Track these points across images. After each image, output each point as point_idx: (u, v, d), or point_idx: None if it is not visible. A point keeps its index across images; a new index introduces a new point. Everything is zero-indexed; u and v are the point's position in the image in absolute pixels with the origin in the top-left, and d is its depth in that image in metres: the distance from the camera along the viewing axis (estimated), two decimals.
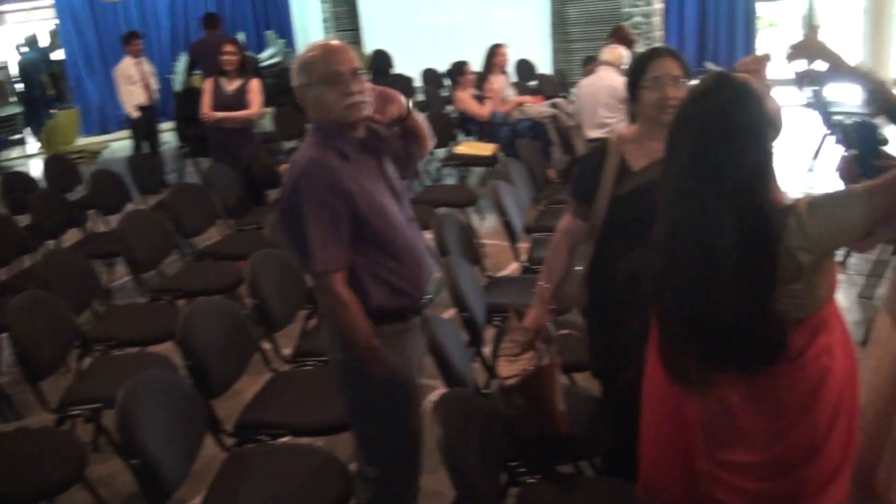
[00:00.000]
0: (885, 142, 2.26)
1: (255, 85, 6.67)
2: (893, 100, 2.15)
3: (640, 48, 8.12)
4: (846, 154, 1.94)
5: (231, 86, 6.66)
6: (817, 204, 1.78)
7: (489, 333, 3.63)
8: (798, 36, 12.66)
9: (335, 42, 2.48)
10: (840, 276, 5.45)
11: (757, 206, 1.77)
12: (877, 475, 2.36)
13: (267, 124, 9.97)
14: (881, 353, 2.38)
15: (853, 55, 11.38)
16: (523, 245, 5.03)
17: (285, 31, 14.61)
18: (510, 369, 2.68)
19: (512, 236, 4.82)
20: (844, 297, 5.10)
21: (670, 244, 1.86)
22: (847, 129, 5.67)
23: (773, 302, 1.80)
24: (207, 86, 6.76)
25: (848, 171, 1.94)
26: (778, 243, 1.76)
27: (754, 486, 1.95)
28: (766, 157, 1.80)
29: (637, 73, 2.62)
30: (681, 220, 1.84)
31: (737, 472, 1.97)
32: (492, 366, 3.22)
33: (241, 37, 12.56)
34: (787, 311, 1.82)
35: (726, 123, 1.78)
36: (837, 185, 2.22)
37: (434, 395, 3.20)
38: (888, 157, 2.23)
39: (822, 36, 13.16)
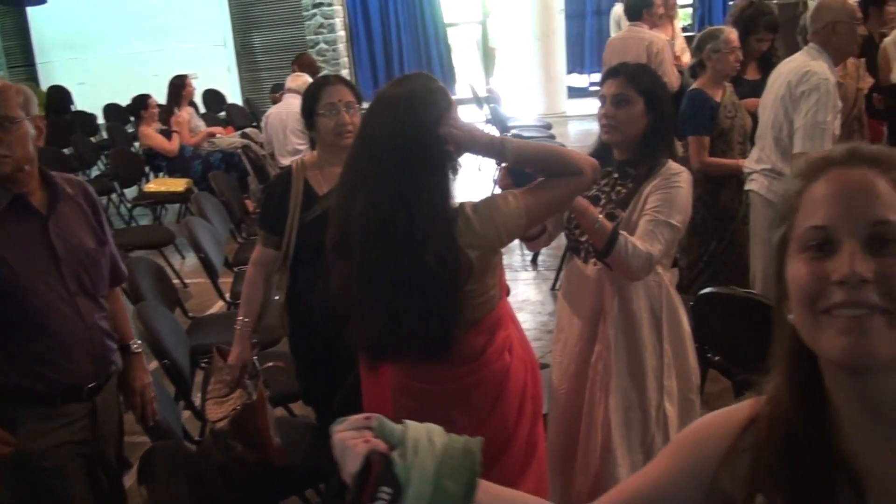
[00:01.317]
0: None
1: None
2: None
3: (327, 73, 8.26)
4: (503, 165, 2.14)
5: None
6: (479, 205, 1.92)
7: (199, 377, 3.46)
8: (476, 62, 13.69)
9: None
10: (532, 273, 5.95)
11: (441, 211, 1.84)
12: (576, 454, 2.56)
13: None
14: (565, 335, 2.61)
15: (527, 78, 12.49)
16: (226, 280, 4.88)
17: None
18: (219, 411, 2.59)
19: (212, 273, 4.65)
20: (537, 292, 5.54)
21: (361, 252, 1.88)
22: None
23: (453, 304, 1.88)
24: None
25: (503, 179, 2.15)
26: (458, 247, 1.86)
27: None
28: (446, 165, 1.89)
29: (312, 100, 2.68)
30: (370, 228, 1.85)
31: None
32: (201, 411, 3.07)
33: None
34: (466, 312, 1.93)
35: (404, 136, 1.84)
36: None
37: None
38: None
39: (498, 57, 14.30)
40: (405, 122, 1.84)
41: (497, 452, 2.01)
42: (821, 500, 0.90)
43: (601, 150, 2.54)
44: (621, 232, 2.26)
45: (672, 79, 5.46)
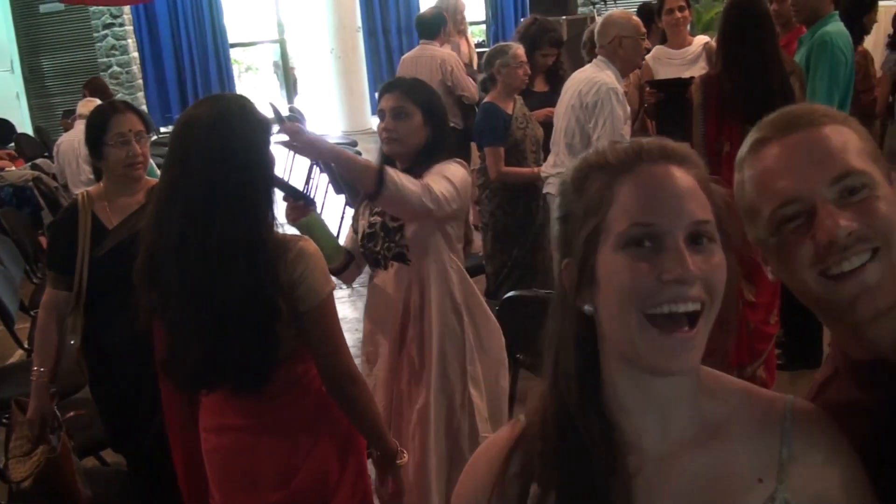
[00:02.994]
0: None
1: None
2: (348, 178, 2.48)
3: (123, 97, 7.91)
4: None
5: None
6: (309, 255, 1.86)
7: (2, 434, 3.21)
8: (276, 82, 13.48)
9: None
10: (347, 292, 5.93)
11: (261, 243, 1.79)
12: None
13: None
14: (373, 349, 2.66)
15: (329, 96, 12.47)
16: (24, 326, 4.55)
17: None
18: (23, 470, 2.46)
19: (6, 320, 4.32)
20: (353, 310, 5.55)
21: (178, 279, 1.79)
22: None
23: (273, 332, 1.83)
24: None
25: (294, 212, 2.31)
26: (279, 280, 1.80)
27: None
28: (263, 190, 1.84)
29: (98, 130, 2.57)
30: (187, 254, 1.77)
31: None
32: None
33: None
34: (289, 341, 1.86)
35: (216, 158, 1.77)
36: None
37: None
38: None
39: (298, 76, 14.20)
40: (216, 144, 1.77)
41: (326, 488, 1.95)
42: (595, 483, 0.92)
43: (385, 163, 2.56)
44: (388, 167, 2.30)
45: (471, 91, 5.66)
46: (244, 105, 1.86)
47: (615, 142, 0.98)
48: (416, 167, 2.48)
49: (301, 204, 2.39)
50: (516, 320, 3.18)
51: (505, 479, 0.98)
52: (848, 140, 0.98)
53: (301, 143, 2.27)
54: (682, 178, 0.92)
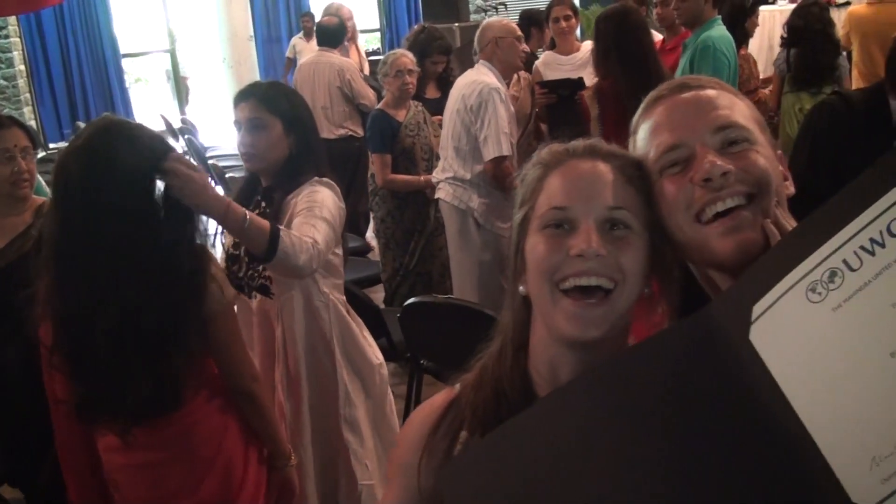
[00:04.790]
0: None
1: None
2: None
3: (9, 112, 7.57)
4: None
5: None
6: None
7: None
8: (167, 92, 13.14)
9: None
10: None
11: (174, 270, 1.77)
12: None
13: None
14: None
15: (222, 106, 12.22)
16: None
17: None
18: None
19: None
20: None
21: (77, 308, 1.77)
22: (220, 171, 6.17)
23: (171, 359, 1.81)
24: None
25: None
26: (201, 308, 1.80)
27: None
28: (151, 216, 1.80)
29: None
30: (85, 294, 1.75)
31: None
32: None
33: None
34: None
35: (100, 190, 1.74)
36: None
37: None
38: None
39: (191, 87, 13.87)
40: (94, 176, 1.73)
41: (231, 490, 1.96)
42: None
43: (251, 180, 2.46)
44: (280, 227, 2.05)
45: (370, 99, 5.67)
46: (125, 134, 1.80)
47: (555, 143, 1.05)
48: (283, 183, 2.31)
49: None
50: (418, 327, 3.21)
51: (436, 436, 1.06)
52: (735, 103, 1.03)
53: (189, 191, 1.85)
54: (604, 169, 0.99)
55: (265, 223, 1.99)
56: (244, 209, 1.98)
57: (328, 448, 2.47)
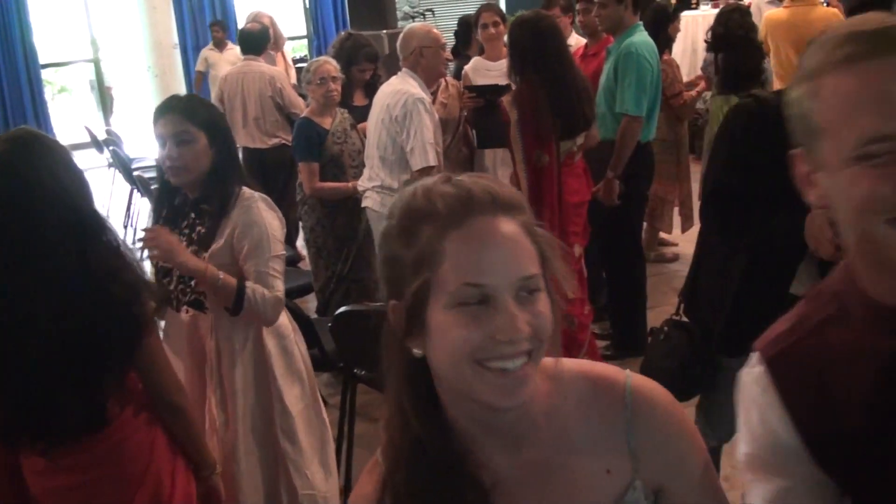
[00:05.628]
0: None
1: None
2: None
3: None
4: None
5: None
6: None
7: None
8: (91, 103, 12.81)
9: None
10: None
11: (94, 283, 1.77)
12: None
13: None
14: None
15: (148, 116, 11.95)
16: None
17: None
18: None
19: None
20: None
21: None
22: (146, 182, 6.04)
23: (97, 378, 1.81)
24: None
25: None
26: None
27: None
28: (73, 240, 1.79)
29: None
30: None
31: None
32: None
33: None
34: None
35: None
36: None
37: None
38: None
39: (115, 97, 13.57)
40: (16, 195, 1.73)
41: (161, 501, 1.95)
42: (456, 499, 0.96)
43: (164, 192, 2.47)
44: (247, 283, 2.25)
45: (301, 108, 5.61)
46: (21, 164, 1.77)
47: (446, 179, 0.98)
48: (209, 195, 2.36)
49: None
50: (351, 335, 3.18)
51: None
52: None
53: (160, 252, 2.23)
54: (510, 230, 0.94)
55: (233, 281, 2.25)
56: (216, 270, 2.24)
57: (266, 459, 2.47)
